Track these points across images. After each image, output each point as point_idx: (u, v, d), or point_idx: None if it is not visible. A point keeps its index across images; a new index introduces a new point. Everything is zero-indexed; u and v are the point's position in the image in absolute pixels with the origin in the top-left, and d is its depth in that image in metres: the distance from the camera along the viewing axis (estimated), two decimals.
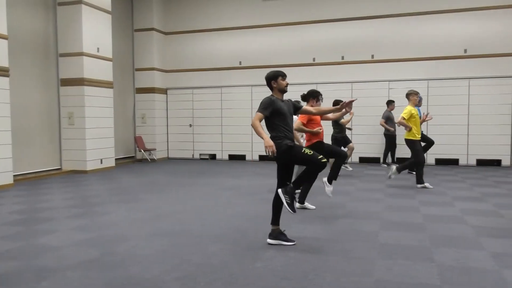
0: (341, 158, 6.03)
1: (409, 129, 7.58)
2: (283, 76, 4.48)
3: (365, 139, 11.76)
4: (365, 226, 5.07)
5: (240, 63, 12.89)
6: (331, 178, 6.07)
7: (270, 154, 4.15)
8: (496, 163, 10.91)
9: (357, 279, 3.42)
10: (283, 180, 4.41)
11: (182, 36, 13.47)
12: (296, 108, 4.66)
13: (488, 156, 10.95)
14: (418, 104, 8.93)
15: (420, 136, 7.79)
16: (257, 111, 4.34)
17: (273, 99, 4.36)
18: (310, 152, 4.22)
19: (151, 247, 4.32)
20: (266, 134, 4.25)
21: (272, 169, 10.74)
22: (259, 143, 12.73)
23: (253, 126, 4.26)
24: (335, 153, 6.07)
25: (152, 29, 13.05)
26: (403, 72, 11.44)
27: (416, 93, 7.74)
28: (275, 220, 4.45)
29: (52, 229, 5.10)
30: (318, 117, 5.88)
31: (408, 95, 7.76)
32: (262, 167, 11.13)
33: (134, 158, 13.28)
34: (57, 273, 3.63)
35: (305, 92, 5.99)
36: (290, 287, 3.30)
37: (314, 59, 12.18)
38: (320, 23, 12.08)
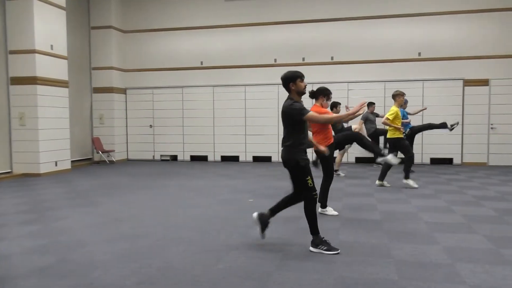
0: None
1: (396, 129, 7.64)
2: (302, 77, 4.22)
3: None
4: (326, 225, 5.16)
5: (201, 63, 12.80)
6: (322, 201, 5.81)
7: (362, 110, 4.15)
8: (448, 161, 11.41)
9: (319, 277, 3.47)
10: (309, 184, 4.23)
11: (142, 35, 13.21)
12: None
13: (441, 155, 11.42)
14: (403, 106, 9.27)
15: (403, 134, 7.86)
16: (305, 114, 4.05)
17: (301, 104, 4.18)
18: (310, 184, 4.15)
19: (109, 252, 4.20)
20: (278, 139, 4.23)
21: (234, 170, 10.73)
22: (221, 144, 12.70)
23: (330, 121, 4.29)
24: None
25: (110, 27, 12.72)
26: (362, 73, 11.74)
27: (403, 94, 7.78)
28: (313, 229, 4.23)
29: (1, 236, 4.85)
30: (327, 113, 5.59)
31: (394, 96, 7.78)
32: (224, 168, 11.09)
33: (92, 160, 12.89)
34: (6, 282, 3.45)
35: (314, 89, 5.63)
36: (254, 287, 3.30)
37: (275, 60, 12.28)
38: (281, 25, 12.20)
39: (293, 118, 4.13)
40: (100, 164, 12.52)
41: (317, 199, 4.24)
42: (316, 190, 4.20)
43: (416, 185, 7.70)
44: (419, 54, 11.44)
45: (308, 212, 4.23)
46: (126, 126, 13.51)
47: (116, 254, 4.12)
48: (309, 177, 4.17)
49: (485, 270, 3.58)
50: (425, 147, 11.49)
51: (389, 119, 7.58)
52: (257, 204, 6.46)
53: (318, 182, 4.83)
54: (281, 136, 13.08)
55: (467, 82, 11.17)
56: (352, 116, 4.53)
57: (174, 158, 13.24)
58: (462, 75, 11.21)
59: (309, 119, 4.18)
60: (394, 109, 7.65)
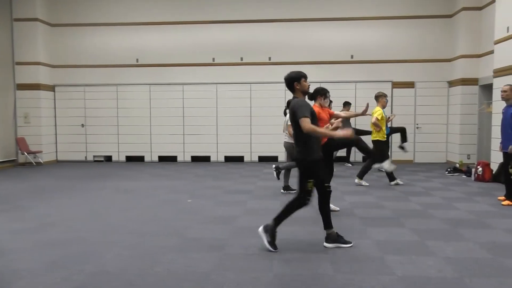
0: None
1: (379, 130, 7.83)
2: (306, 77, 4.27)
3: (265, 139, 12.11)
4: (263, 223, 5.21)
5: (137, 60, 12.42)
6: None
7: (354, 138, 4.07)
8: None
9: (257, 275, 3.51)
10: (322, 180, 4.20)
11: (72, 29, 12.55)
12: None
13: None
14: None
15: (385, 137, 8.03)
16: (301, 117, 3.98)
17: (306, 101, 4.14)
18: (310, 187, 4.10)
19: (37, 259, 3.95)
20: (291, 141, 4.10)
21: (172, 170, 10.54)
22: (158, 144, 12.42)
23: (312, 132, 3.97)
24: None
25: (36, 19, 11.94)
26: None
27: (385, 95, 7.98)
28: (328, 224, 4.24)
29: None
30: (326, 115, 5.58)
31: (377, 97, 7.93)
32: (162, 168, 10.86)
33: (16, 162, 12.04)
34: None
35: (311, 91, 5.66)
36: None
37: (213, 59, 12.22)
38: (219, 24, 12.16)
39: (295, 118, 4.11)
40: (26, 166, 11.73)
41: (306, 205, 4.21)
42: (311, 197, 4.15)
43: (367, 184, 8.05)
44: (352, 56, 11.93)
45: (290, 207, 4.21)
46: (55, 125, 12.77)
47: (45, 261, 3.88)
48: (311, 181, 4.11)
49: (412, 261, 3.82)
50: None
51: (378, 119, 7.74)
52: (196, 205, 6.40)
53: None
54: (220, 135, 13.09)
55: (395, 84, 11.82)
56: (333, 134, 4.32)
57: (108, 158, 12.74)
58: (390, 78, 11.85)
59: (301, 123, 4.04)
60: (379, 109, 7.82)
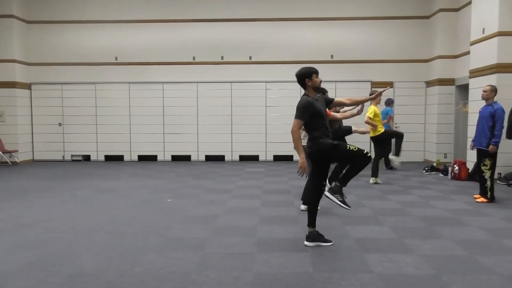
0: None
1: (374, 128, 7.92)
2: (317, 73, 4.25)
3: (246, 138, 12.11)
4: (244, 222, 5.22)
5: (116, 58, 12.25)
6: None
7: (300, 175, 4.13)
8: None
9: (238, 274, 3.51)
10: (322, 178, 4.22)
11: (49, 26, 12.30)
12: (327, 102, 4.45)
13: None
14: (390, 105, 9.93)
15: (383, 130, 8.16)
16: (295, 118, 4.09)
17: (310, 101, 4.13)
18: (355, 148, 4.08)
19: (11, 261, 3.86)
20: (302, 137, 4.22)
21: (152, 170, 10.45)
22: (138, 143, 12.28)
23: (292, 136, 4.07)
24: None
25: (11, 16, 11.65)
26: (279, 73, 12.05)
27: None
28: (312, 222, 4.27)
29: None
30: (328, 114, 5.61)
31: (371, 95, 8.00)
32: (142, 168, 10.74)
33: None
34: None
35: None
36: None
37: (194, 58, 12.15)
38: (199, 22, 12.09)
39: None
40: (1, 166, 11.45)
41: (322, 194, 4.26)
42: (365, 150, 4.12)
43: (381, 181, 8.21)
44: (332, 56, 12.03)
45: (355, 169, 4.22)
46: (32, 124, 12.50)
47: (19, 263, 3.80)
48: (348, 146, 4.13)
49: (389, 259, 3.88)
50: None
51: (370, 117, 7.88)
52: (176, 204, 6.35)
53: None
54: (201, 135, 13.03)
55: (375, 84, 11.97)
56: (298, 153, 4.28)
57: (86, 158, 12.54)
58: (370, 77, 11.99)
59: (293, 124, 4.20)
60: (372, 107, 8.02)
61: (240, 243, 4.35)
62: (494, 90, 6.34)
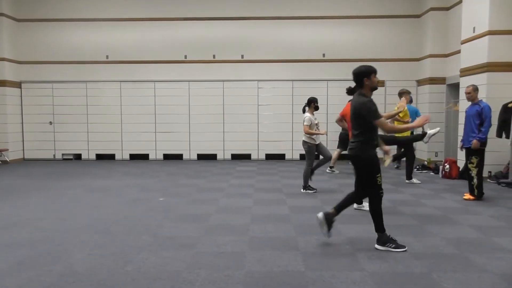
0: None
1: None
2: (376, 72, 4.12)
3: (238, 137, 12.10)
4: (236, 221, 5.22)
5: (107, 57, 12.17)
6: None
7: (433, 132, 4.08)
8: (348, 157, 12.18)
9: (230, 273, 3.51)
10: (377, 180, 4.11)
11: (39, 24, 12.18)
12: None
13: (343, 151, 12.14)
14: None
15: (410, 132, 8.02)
16: (376, 120, 3.99)
17: (373, 101, 4.05)
18: (379, 181, 4.05)
19: (1, 260, 3.83)
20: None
21: (144, 168, 10.41)
22: (130, 141, 12.22)
23: (393, 130, 4.09)
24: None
25: (1, 14, 11.52)
26: (271, 72, 12.06)
27: (409, 92, 7.89)
28: (379, 227, 4.15)
29: None
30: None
31: (400, 94, 7.91)
32: (133, 167, 10.69)
33: None
34: None
35: (352, 86, 5.62)
36: (163, 287, 3.24)
37: (185, 57, 12.11)
38: (191, 21, 12.05)
39: (366, 118, 4.03)
40: None
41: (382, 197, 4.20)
42: (382, 189, 4.11)
43: (419, 181, 8.11)
44: (324, 55, 12.06)
45: (373, 210, 4.14)
46: (22, 122, 12.38)
47: (10, 262, 3.77)
48: (379, 175, 4.08)
49: (381, 257, 3.90)
50: (329, 144, 12.13)
51: (400, 116, 7.70)
52: (168, 203, 6.34)
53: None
54: (193, 133, 12.99)
55: None
56: (413, 126, 4.46)
57: (77, 157, 12.45)
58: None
59: (379, 125, 4.07)
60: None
61: (232, 242, 4.35)
62: (476, 89, 6.46)
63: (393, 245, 4.09)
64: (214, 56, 12.10)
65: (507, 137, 7.62)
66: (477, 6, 8.49)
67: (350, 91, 5.54)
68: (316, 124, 7.09)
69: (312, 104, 7.19)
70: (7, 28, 11.74)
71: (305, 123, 7.01)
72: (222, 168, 10.30)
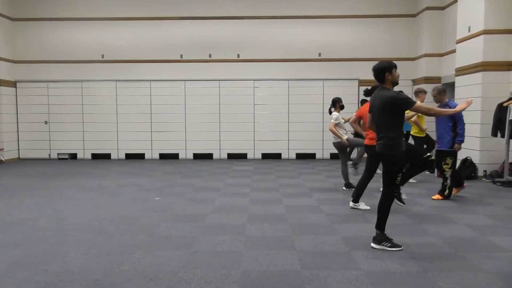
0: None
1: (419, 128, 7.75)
2: (396, 67, 4.19)
3: (234, 136, 12.10)
4: (232, 220, 5.22)
5: (102, 56, 12.13)
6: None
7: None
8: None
9: (226, 272, 3.51)
10: (395, 180, 4.13)
11: (34, 23, 12.13)
12: None
13: None
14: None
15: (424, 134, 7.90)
16: (413, 106, 3.97)
17: (402, 92, 4.09)
18: (398, 181, 4.12)
19: None
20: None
21: (140, 168, 10.38)
22: (126, 141, 12.19)
23: (433, 111, 4.19)
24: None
25: None
26: (267, 71, 12.06)
27: (425, 92, 7.82)
28: (381, 225, 4.16)
29: None
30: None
31: (417, 93, 7.83)
32: (129, 166, 10.67)
33: None
34: None
35: (369, 88, 5.68)
36: (159, 287, 3.23)
37: (181, 56, 12.09)
38: (187, 20, 12.03)
39: (400, 108, 4.02)
40: None
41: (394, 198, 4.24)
42: (398, 189, 4.15)
43: (414, 180, 8.09)
44: (320, 54, 12.07)
45: (383, 207, 4.16)
46: (17, 122, 12.33)
47: (5, 262, 3.75)
48: (400, 175, 4.10)
49: (377, 256, 3.91)
50: (325, 143, 12.16)
51: (419, 116, 7.45)
52: (164, 203, 6.33)
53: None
54: (189, 133, 12.97)
55: (362, 82, 12.04)
56: (454, 111, 4.48)
57: (73, 156, 12.41)
58: (357, 75, 12.06)
59: (417, 110, 4.11)
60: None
61: (228, 241, 4.35)
62: (441, 91, 6.48)
63: (389, 244, 4.10)
64: (210, 56, 12.08)
65: (502, 136, 7.66)
66: (473, 5, 8.53)
67: (368, 92, 5.57)
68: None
69: (337, 104, 7.35)
70: (2, 27, 11.67)
71: (332, 120, 7.11)
72: (218, 168, 10.29)
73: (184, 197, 6.74)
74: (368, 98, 5.68)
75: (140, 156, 12.27)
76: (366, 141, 5.95)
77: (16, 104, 12.29)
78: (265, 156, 12.20)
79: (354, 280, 3.35)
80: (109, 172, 9.68)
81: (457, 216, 5.45)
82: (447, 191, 6.45)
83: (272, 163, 11.18)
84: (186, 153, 12.25)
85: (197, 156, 12.22)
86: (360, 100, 10.92)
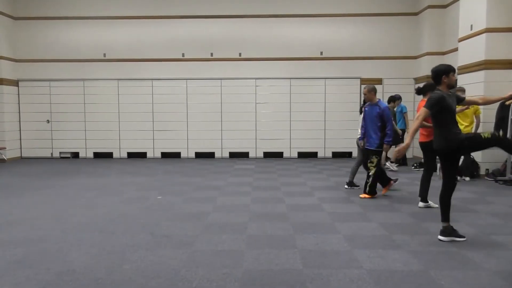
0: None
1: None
2: (454, 71, 4.30)
3: (236, 135, 12.09)
4: (234, 219, 5.22)
5: (104, 55, 12.14)
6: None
7: (394, 160, 4.22)
8: (348, 155, 12.20)
9: (227, 271, 3.51)
10: (454, 172, 4.32)
11: (36, 22, 12.14)
12: (458, 100, 4.45)
13: (341, 149, 12.17)
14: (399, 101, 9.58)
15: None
16: (424, 106, 4.19)
17: (443, 95, 4.17)
18: (489, 135, 4.12)
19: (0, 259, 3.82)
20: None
21: (141, 167, 10.39)
22: (127, 140, 12.20)
23: (414, 121, 4.19)
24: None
25: None
26: (269, 70, 12.05)
27: (464, 90, 7.64)
28: (445, 217, 4.32)
29: None
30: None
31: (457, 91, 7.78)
32: (131, 165, 10.68)
33: None
34: None
35: (421, 86, 5.70)
36: (161, 286, 3.23)
37: (183, 55, 12.09)
38: (188, 19, 12.02)
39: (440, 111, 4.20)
40: None
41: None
42: (457, 180, 4.22)
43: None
44: (321, 53, 12.05)
45: (444, 198, 4.34)
46: (19, 121, 12.35)
47: (6, 261, 3.76)
48: (454, 165, 4.30)
49: (379, 255, 3.90)
50: (327, 141, 12.15)
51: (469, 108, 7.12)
52: (166, 201, 6.33)
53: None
54: (191, 131, 12.98)
55: (364, 81, 12.02)
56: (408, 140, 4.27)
57: (75, 155, 12.43)
58: (359, 74, 12.04)
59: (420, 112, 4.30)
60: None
61: (229, 240, 4.35)
62: (372, 89, 6.51)
63: (456, 236, 4.31)
64: (211, 54, 12.08)
65: (505, 134, 7.63)
66: (475, 3, 8.50)
67: (419, 91, 5.63)
68: None
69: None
70: (4, 26, 11.69)
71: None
72: (220, 167, 10.29)
73: (186, 196, 6.74)
74: (420, 97, 5.82)
75: (142, 155, 12.28)
76: (421, 138, 6.00)
77: (18, 103, 12.31)
78: (267, 155, 12.20)
79: (356, 279, 3.35)
80: (110, 171, 9.69)
81: (460, 214, 5.43)
82: (368, 189, 6.48)
83: (274, 162, 11.17)
84: (188, 152, 12.25)
85: (199, 155, 12.22)
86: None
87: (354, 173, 7.30)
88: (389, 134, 6.32)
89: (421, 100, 5.98)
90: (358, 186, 7.20)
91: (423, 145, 5.99)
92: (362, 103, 7.27)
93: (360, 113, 7.35)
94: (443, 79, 4.27)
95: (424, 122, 5.50)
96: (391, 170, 9.33)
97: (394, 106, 9.75)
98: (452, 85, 4.33)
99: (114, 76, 12.16)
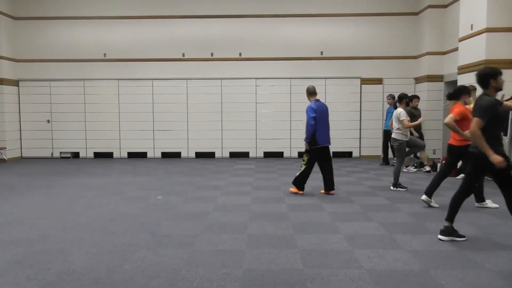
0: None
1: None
2: (501, 73, 4.14)
3: (236, 135, 12.09)
4: (234, 219, 5.22)
5: (104, 55, 12.14)
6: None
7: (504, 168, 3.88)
8: (348, 155, 12.20)
9: (228, 271, 3.51)
10: (475, 181, 4.31)
11: (36, 22, 12.14)
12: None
13: (341, 149, 12.17)
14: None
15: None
16: (476, 116, 3.94)
17: (495, 102, 4.02)
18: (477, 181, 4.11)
19: (0, 259, 3.82)
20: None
21: (141, 166, 10.39)
22: (128, 139, 12.20)
23: (474, 136, 3.93)
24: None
25: None
26: (269, 70, 12.04)
27: (475, 89, 7.36)
28: (451, 217, 4.34)
29: None
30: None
31: (470, 91, 7.55)
32: (131, 165, 10.68)
33: None
34: None
35: (451, 91, 5.66)
36: (161, 285, 3.23)
37: (183, 54, 12.08)
38: (189, 19, 12.02)
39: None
40: None
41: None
42: (473, 190, 4.27)
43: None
44: (322, 53, 12.05)
45: (456, 200, 4.34)
46: (20, 121, 12.35)
47: (6, 260, 3.76)
48: (478, 176, 4.28)
49: (379, 255, 3.90)
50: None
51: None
52: (166, 201, 6.33)
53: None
54: (191, 131, 12.99)
55: (364, 81, 12.02)
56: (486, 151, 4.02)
57: (75, 155, 12.43)
58: (359, 74, 12.04)
59: (472, 122, 4.05)
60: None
61: (230, 240, 4.35)
62: (311, 91, 7.33)
63: (456, 236, 4.32)
64: (212, 54, 12.07)
65: (505, 134, 7.63)
66: (475, 3, 8.49)
67: (450, 96, 5.57)
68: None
69: (404, 100, 7.44)
70: (4, 26, 11.69)
71: (402, 118, 7.04)
72: (220, 166, 10.29)
73: (186, 195, 6.74)
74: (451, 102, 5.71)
75: (142, 155, 12.28)
76: (453, 142, 5.80)
77: (19, 103, 12.31)
78: (267, 154, 12.20)
79: (357, 279, 3.35)
80: (111, 170, 9.69)
81: (460, 214, 5.42)
82: (296, 184, 6.74)
83: (274, 162, 11.17)
84: (188, 152, 12.25)
85: (199, 155, 12.22)
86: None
87: (398, 173, 7.20)
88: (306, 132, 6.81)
89: (455, 104, 5.66)
90: (406, 188, 7.15)
91: (453, 148, 5.76)
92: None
93: (395, 108, 7.40)
94: (491, 83, 4.09)
95: (458, 128, 5.33)
96: (427, 171, 9.20)
97: (414, 106, 9.59)
98: (500, 88, 4.19)
99: (114, 76, 12.16)
